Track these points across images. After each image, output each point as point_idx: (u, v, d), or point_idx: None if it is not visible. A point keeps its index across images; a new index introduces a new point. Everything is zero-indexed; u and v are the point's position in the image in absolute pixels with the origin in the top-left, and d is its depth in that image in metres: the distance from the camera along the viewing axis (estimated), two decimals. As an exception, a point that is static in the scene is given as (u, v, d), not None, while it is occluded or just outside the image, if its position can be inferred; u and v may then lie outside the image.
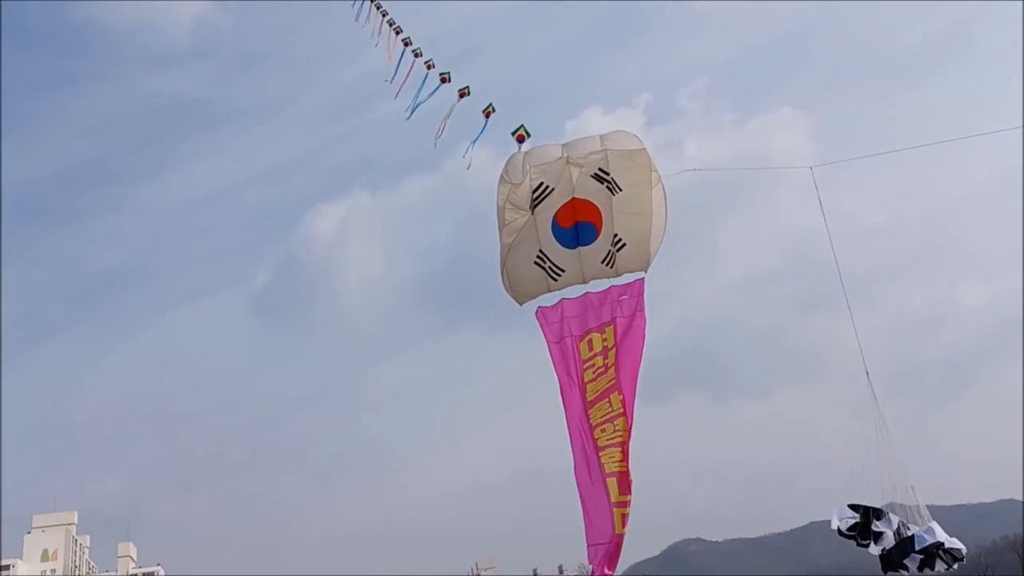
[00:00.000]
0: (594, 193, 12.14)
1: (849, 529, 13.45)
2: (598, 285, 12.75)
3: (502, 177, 12.17)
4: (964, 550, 13.25)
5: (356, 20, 15.91)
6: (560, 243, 12.37)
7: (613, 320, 12.56)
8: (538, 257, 12.40)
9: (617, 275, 12.63)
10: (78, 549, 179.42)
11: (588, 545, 12.13)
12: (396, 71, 15.09)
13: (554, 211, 12.20)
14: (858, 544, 13.43)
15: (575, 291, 12.80)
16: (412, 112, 14.51)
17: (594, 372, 12.54)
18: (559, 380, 12.67)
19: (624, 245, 12.39)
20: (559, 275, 12.54)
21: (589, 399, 12.52)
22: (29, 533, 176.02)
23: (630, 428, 12.34)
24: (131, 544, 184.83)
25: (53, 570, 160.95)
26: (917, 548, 13.04)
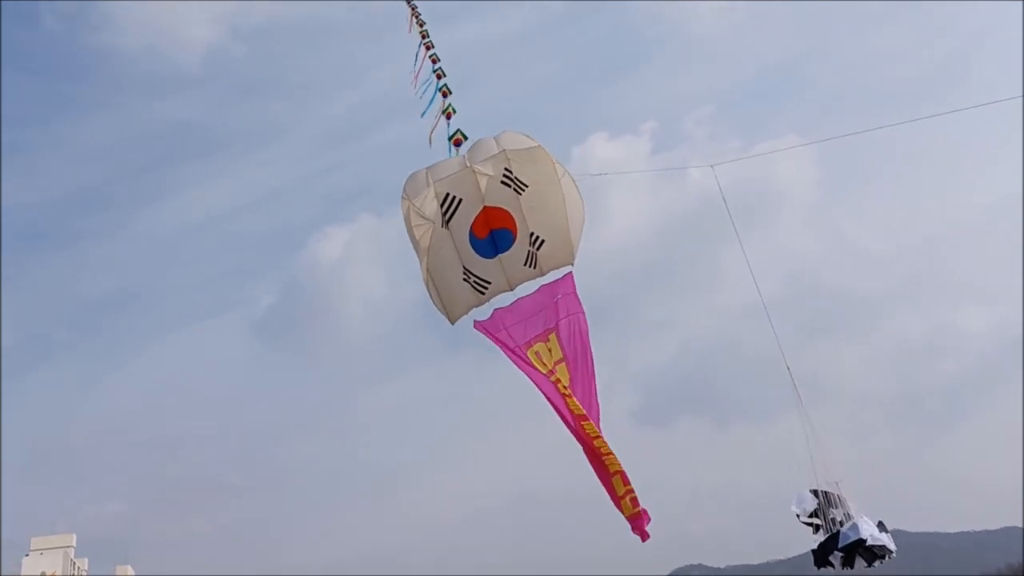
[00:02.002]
0: (504, 199, 11.93)
1: (810, 516, 13.18)
2: (528, 288, 12.52)
3: (403, 195, 11.82)
4: (890, 547, 12.86)
5: (409, 31, 15.60)
6: (480, 254, 12.16)
7: (555, 326, 12.35)
8: (464, 274, 12.18)
9: (542, 274, 12.46)
10: (76, 572, 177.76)
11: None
12: (417, 75, 14.88)
13: (469, 223, 11.98)
14: (814, 533, 13.15)
15: (505, 299, 12.54)
16: (424, 112, 14.24)
17: (563, 388, 12.11)
18: (534, 381, 12.15)
19: (543, 242, 12.21)
20: (486, 288, 12.34)
21: (573, 411, 11.94)
22: (27, 555, 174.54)
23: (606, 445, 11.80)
24: (129, 567, 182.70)
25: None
26: (840, 545, 12.78)
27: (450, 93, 13.81)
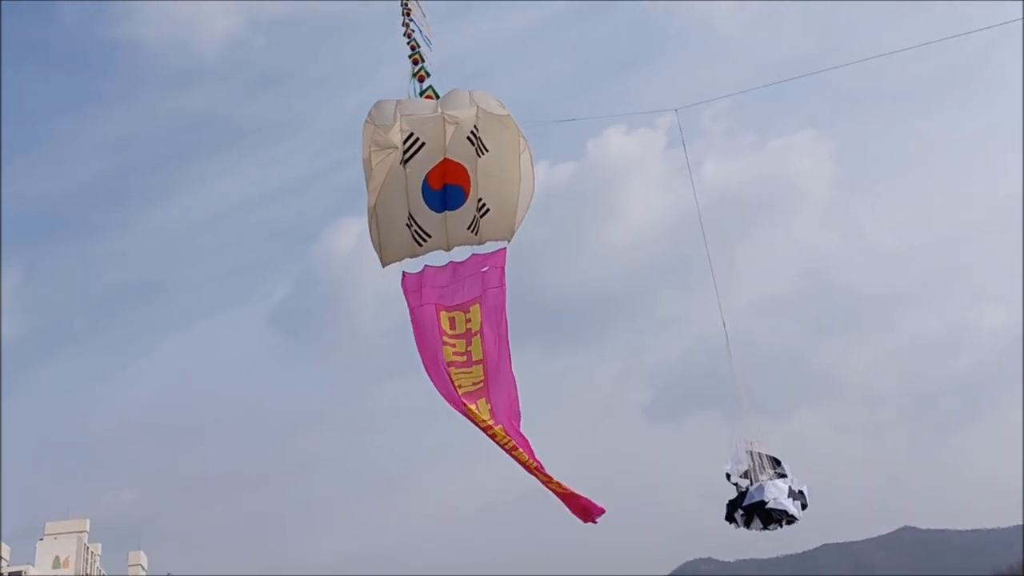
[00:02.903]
0: (465, 156, 11.64)
1: (742, 475, 13.06)
2: (462, 254, 12.28)
3: (368, 119, 11.35)
4: (792, 513, 12.68)
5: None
6: (428, 206, 11.86)
7: (478, 297, 12.14)
8: (408, 220, 11.86)
9: (481, 243, 12.19)
10: (89, 557, 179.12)
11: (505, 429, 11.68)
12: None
13: (426, 171, 11.63)
14: (727, 506, 13.06)
15: (439, 258, 12.26)
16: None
17: (459, 363, 11.92)
18: (420, 351, 11.96)
19: (488, 211, 11.98)
20: (425, 240, 12.00)
21: (461, 393, 11.74)
22: (41, 540, 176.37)
23: (510, 432, 11.67)
24: (142, 553, 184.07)
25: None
26: (743, 504, 12.80)
27: (428, 76, 13.45)
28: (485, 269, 12.25)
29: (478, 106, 11.50)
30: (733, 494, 13.22)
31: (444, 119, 11.41)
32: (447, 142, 11.50)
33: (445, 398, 11.83)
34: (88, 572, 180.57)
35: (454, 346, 12.04)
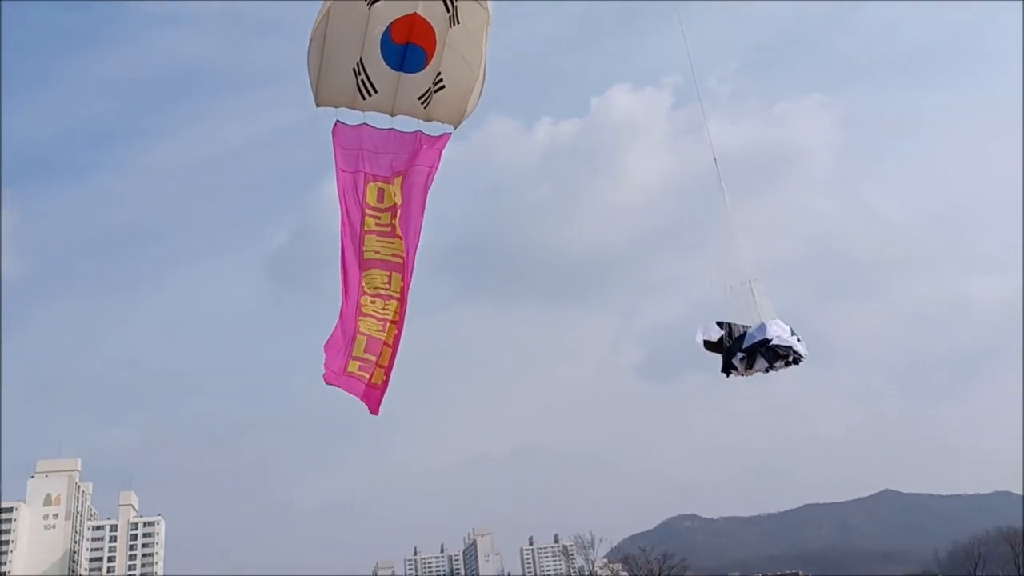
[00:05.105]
0: (437, 18, 10.99)
1: (714, 342, 12.84)
2: (406, 125, 11.70)
3: None
4: (798, 349, 12.45)
5: None
6: (385, 60, 11.17)
7: (406, 170, 11.71)
8: (357, 65, 11.12)
9: (427, 119, 11.64)
10: (80, 495, 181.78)
11: (325, 369, 11.82)
12: None
13: (392, 19, 10.93)
14: (722, 356, 12.82)
15: (381, 120, 11.65)
16: None
17: (380, 232, 11.80)
18: (341, 214, 11.73)
19: (443, 87, 11.38)
20: (370, 94, 11.30)
21: (366, 256, 11.80)
22: (32, 477, 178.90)
23: (402, 312, 11.79)
24: (133, 493, 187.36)
25: (55, 515, 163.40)
26: (744, 345, 12.45)
27: None
28: (424, 147, 11.76)
29: None
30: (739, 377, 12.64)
31: None
32: None
33: (343, 263, 11.68)
34: (78, 510, 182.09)
35: (378, 218, 11.75)
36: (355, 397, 11.87)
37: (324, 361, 11.83)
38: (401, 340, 11.91)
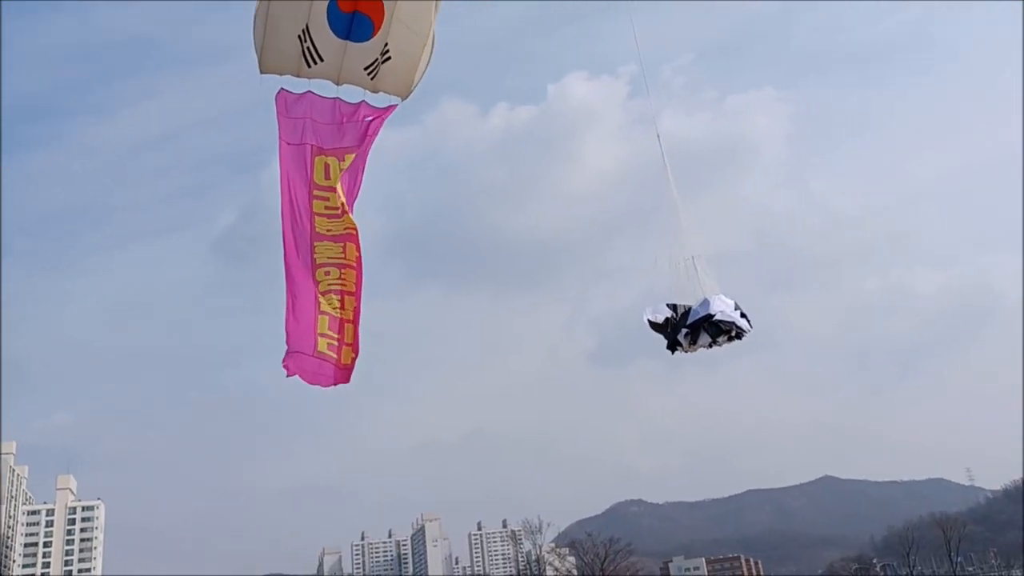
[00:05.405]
0: None
1: (659, 324, 12.99)
2: (352, 95, 11.64)
3: None
4: (740, 324, 12.61)
5: None
6: (331, 28, 11.13)
7: (355, 147, 11.67)
8: (302, 32, 11.06)
9: (374, 91, 11.61)
10: (15, 479, 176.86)
11: (288, 350, 11.78)
12: None
13: None
14: (665, 336, 12.99)
15: (326, 89, 11.59)
16: None
17: (327, 209, 11.76)
18: (282, 188, 11.61)
19: (390, 59, 11.35)
20: (316, 62, 11.26)
21: (318, 230, 11.75)
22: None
23: (360, 278, 11.79)
24: (71, 477, 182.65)
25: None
26: (688, 322, 12.61)
27: None
28: (371, 119, 11.67)
29: None
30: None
31: None
32: None
33: (285, 243, 11.61)
34: (12, 494, 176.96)
35: (326, 200, 11.66)
36: (323, 387, 11.82)
37: (288, 344, 11.70)
38: (361, 311, 11.85)
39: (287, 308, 11.74)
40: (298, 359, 11.76)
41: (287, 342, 11.72)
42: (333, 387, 12.01)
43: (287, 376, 11.67)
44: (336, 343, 11.78)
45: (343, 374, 11.89)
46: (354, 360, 11.86)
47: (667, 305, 12.95)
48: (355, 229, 11.75)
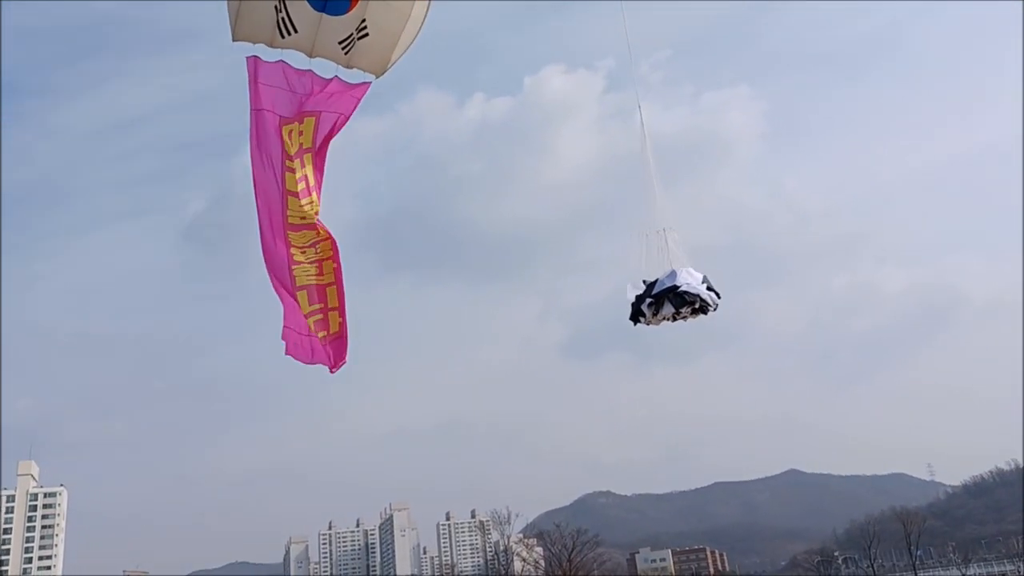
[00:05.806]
0: None
1: (637, 298, 13.24)
2: (325, 70, 11.46)
3: None
4: (705, 297, 12.69)
5: None
6: None
7: (318, 112, 11.44)
8: (279, 1, 10.90)
9: (348, 67, 11.41)
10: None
11: (284, 327, 11.83)
12: None
13: None
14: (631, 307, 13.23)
15: (299, 61, 11.40)
16: None
17: (301, 190, 11.52)
18: (252, 155, 11.50)
19: (367, 36, 11.17)
20: (290, 33, 11.05)
21: (288, 191, 11.53)
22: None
23: (336, 246, 11.66)
24: (33, 463, 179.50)
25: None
26: (653, 292, 12.77)
27: None
28: (340, 93, 11.49)
29: None
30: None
31: None
32: None
33: (259, 212, 11.50)
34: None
35: (293, 171, 11.48)
36: (323, 365, 11.71)
37: (284, 323, 11.73)
38: (343, 276, 11.65)
39: (271, 279, 11.74)
40: (292, 337, 11.74)
41: (284, 319, 11.81)
42: (315, 365, 11.87)
43: (285, 353, 11.75)
44: (320, 316, 11.65)
45: (338, 346, 11.68)
46: (343, 325, 11.67)
47: (643, 281, 13.13)
48: (318, 207, 11.52)
